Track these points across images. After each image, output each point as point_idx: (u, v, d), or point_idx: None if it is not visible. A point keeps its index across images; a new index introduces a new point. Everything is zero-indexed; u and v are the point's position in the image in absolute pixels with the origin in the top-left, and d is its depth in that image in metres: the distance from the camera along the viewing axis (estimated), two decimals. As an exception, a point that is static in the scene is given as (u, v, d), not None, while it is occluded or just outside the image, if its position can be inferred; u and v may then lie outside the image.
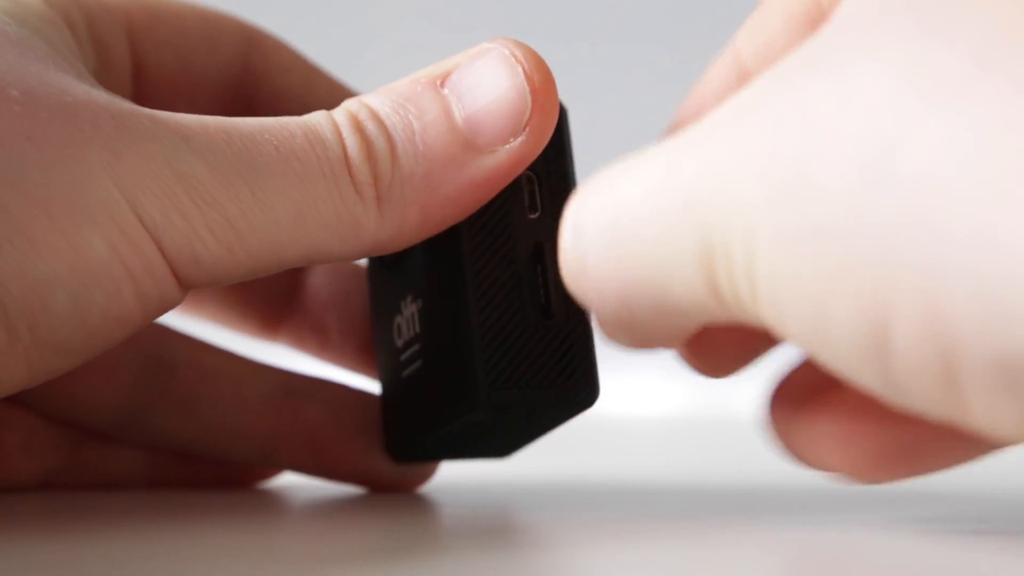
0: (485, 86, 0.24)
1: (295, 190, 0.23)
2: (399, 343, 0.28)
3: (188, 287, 0.23)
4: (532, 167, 0.25)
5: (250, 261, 0.23)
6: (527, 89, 0.24)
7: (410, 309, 0.27)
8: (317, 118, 0.24)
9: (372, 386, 0.31)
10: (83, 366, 0.24)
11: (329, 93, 0.30)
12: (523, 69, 0.24)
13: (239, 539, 0.24)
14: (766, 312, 0.18)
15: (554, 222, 0.24)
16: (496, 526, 0.26)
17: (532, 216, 0.26)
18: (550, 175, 0.26)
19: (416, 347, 0.27)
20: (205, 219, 0.23)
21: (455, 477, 0.35)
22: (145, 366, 0.29)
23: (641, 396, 0.70)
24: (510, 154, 0.24)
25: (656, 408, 0.70)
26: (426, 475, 0.31)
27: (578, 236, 0.21)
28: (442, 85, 0.25)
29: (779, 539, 0.24)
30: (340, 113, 0.25)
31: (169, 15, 0.29)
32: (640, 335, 0.22)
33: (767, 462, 0.47)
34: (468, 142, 0.24)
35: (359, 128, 0.24)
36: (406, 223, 0.25)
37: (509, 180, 0.25)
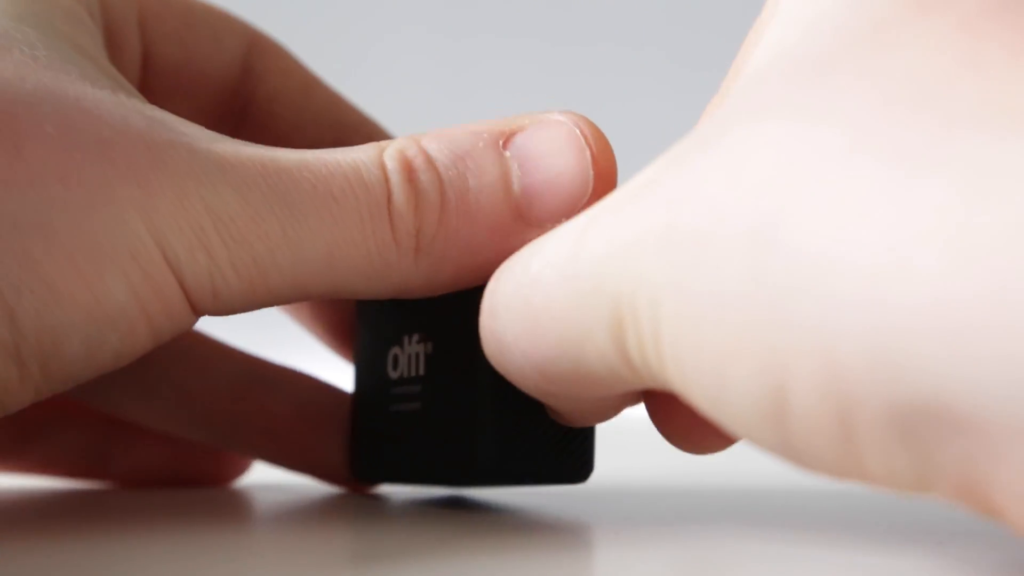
0: (550, 160, 0.24)
1: (328, 231, 0.23)
2: (393, 375, 0.28)
3: (201, 315, 0.23)
4: None
5: (269, 296, 0.23)
6: (591, 174, 0.24)
7: (416, 348, 0.27)
8: (363, 157, 0.24)
9: (343, 383, 0.32)
10: None
11: (327, 101, 0.30)
12: (591, 152, 0.24)
13: (213, 543, 0.24)
14: (673, 378, 0.19)
15: None
16: (496, 525, 0.26)
17: None
18: None
19: (416, 388, 0.27)
20: (231, 256, 0.22)
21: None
22: None
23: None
24: None
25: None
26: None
27: (494, 317, 0.22)
28: (505, 146, 0.24)
29: (779, 539, 0.24)
30: (392, 155, 0.24)
31: (179, 7, 0.29)
32: (571, 407, 0.23)
33: (767, 462, 0.47)
34: (521, 213, 0.24)
35: (411, 175, 0.24)
36: (438, 278, 0.24)
37: None
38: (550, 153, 0.24)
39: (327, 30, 0.76)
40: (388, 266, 0.24)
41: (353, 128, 0.30)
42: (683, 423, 0.24)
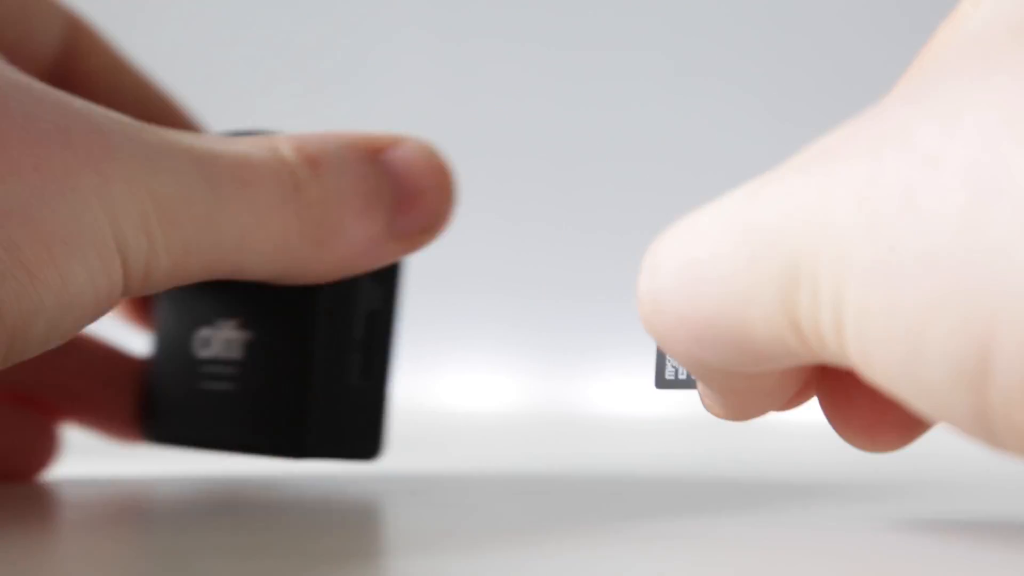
0: (417, 177, 0.27)
1: (244, 216, 0.25)
2: (201, 354, 0.30)
3: (125, 296, 0.24)
4: None
5: (184, 278, 0.25)
6: (453, 194, 0.28)
7: (231, 333, 0.30)
8: (268, 150, 0.26)
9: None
10: None
11: (137, 83, 0.31)
12: (446, 167, 0.28)
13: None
14: (851, 343, 0.18)
15: (387, 292, 0.30)
16: (495, 525, 0.26)
17: (371, 284, 0.29)
18: None
19: (230, 370, 0.30)
20: (166, 239, 0.24)
21: (452, 476, 0.35)
22: None
23: (641, 396, 0.70)
24: (421, 239, 0.28)
25: (656, 408, 0.70)
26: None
27: (654, 275, 0.21)
28: (380, 154, 0.27)
29: (779, 538, 0.24)
30: (292, 152, 0.26)
31: None
32: (724, 384, 0.22)
33: (767, 462, 0.47)
34: (391, 224, 0.27)
35: (316, 171, 0.26)
36: (322, 268, 0.26)
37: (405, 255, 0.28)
38: (418, 171, 0.27)
39: (327, 33, 0.76)
40: (290, 252, 0.26)
41: (163, 111, 0.31)
42: (859, 414, 0.23)
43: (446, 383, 0.71)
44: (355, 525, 0.27)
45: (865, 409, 0.23)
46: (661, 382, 0.25)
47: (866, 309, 0.17)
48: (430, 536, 0.25)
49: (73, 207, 0.22)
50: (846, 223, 0.17)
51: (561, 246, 0.74)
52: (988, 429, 0.16)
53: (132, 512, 0.29)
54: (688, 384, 0.25)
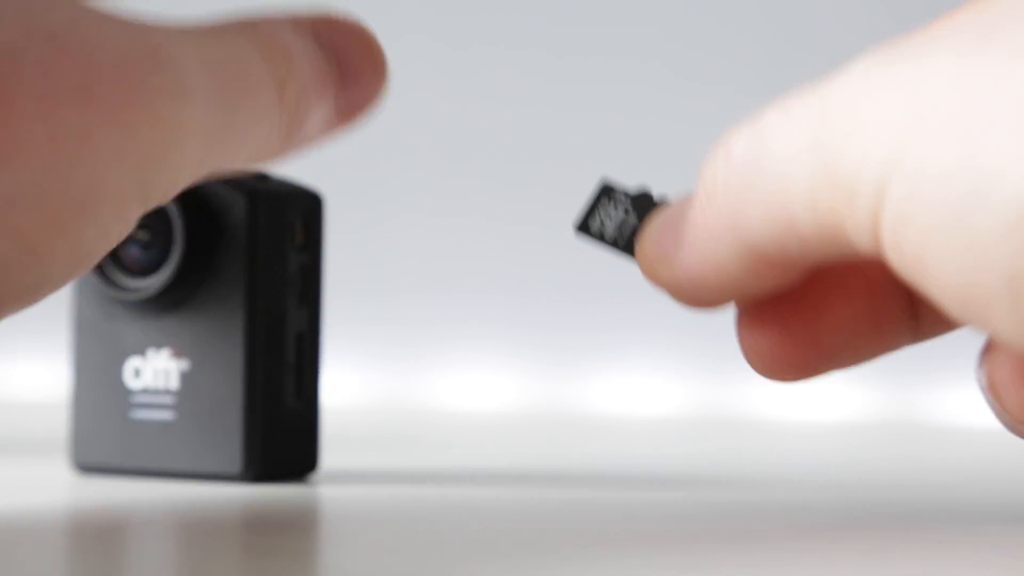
0: (356, 56, 0.26)
1: (252, 130, 0.24)
2: (133, 384, 0.31)
3: None
4: (301, 263, 0.31)
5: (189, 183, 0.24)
6: (385, 67, 0.27)
7: (166, 363, 0.31)
8: (262, 49, 0.24)
9: None
10: None
11: None
12: (379, 45, 0.27)
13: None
14: (907, 244, 0.19)
15: (311, 313, 0.31)
16: (495, 525, 0.26)
17: (297, 307, 0.31)
18: (310, 270, 0.31)
19: (166, 398, 0.31)
20: (186, 167, 0.23)
21: (452, 476, 0.35)
22: None
23: (641, 396, 0.70)
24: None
25: (656, 408, 0.70)
26: None
27: (726, 161, 0.23)
28: (321, 33, 0.26)
29: (779, 538, 0.24)
30: (273, 48, 0.25)
31: None
32: (755, 286, 0.23)
33: (766, 462, 0.47)
34: (337, 103, 0.26)
35: (290, 63, 0.25)
36: (281, 156, 0.25)
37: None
38: (357, 51, 0.26)
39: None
40: (266, 152, 0.25)
41: None
42: (768, 343, 0.25)
43: (446, 383, 0.71)
44: (354, 524, 0.27)
45: (773, 339, 0.24)
46: (582, 226, 0.26)
47: (924, 171, 0.19)
48: (430, 536, 0.25)
49: (90, 174, 0.21)
50: (928, 123, 0.19)
51: (561, 247, 0.74)
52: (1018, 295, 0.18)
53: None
54: (606, 243, 0.26)
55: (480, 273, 0.73)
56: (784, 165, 0.21)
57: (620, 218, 0.26)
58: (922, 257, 0.20)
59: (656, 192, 0.26)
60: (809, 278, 0.24)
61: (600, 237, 0.26)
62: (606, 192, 0.26)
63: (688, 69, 0.75)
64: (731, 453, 0.51)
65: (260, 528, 0.24)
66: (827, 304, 0.25)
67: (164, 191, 0.23)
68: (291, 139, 0.25)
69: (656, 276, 0.25)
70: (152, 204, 0.23)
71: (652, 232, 0.25)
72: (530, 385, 0.72)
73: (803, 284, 0.24)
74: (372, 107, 0.27)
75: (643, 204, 0.26)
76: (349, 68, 0.26)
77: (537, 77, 0.76)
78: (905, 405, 0.71)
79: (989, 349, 0.23)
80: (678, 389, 0.71)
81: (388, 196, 0.73)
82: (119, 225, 0.22)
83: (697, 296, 0.24)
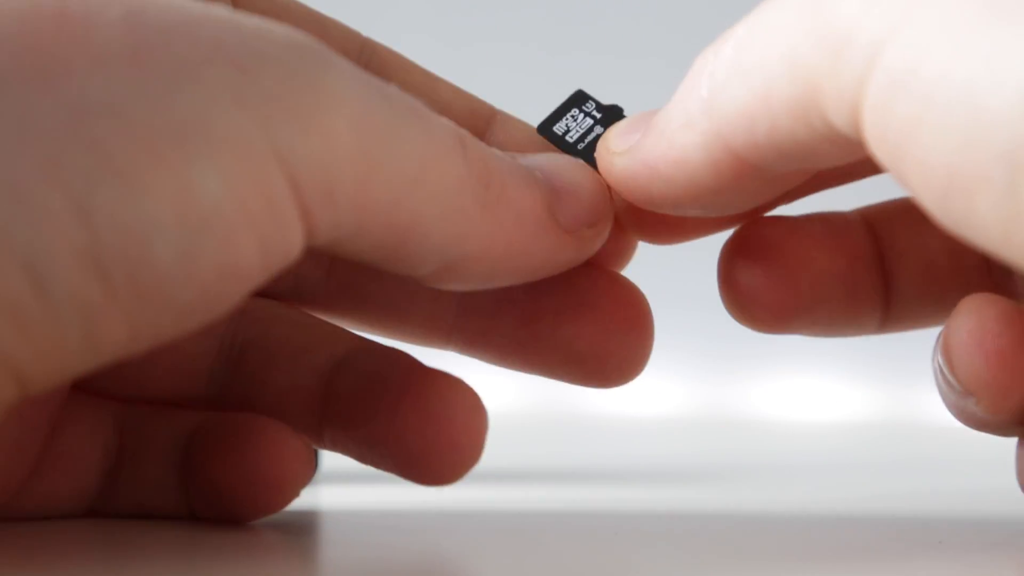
0: (564, 172, 0.24)
1: (422, 145, 0.21)
2: None
3: (312, 230, 0.20)
4: None
5: (370, 213, 0.20)
6: (607, 190, 0.24)
7: None
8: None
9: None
10: (160, 354, 0.23)
11: (454, 95, 0.28)
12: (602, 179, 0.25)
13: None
14: (896, 117, 0.19)
15: None
16: (494, 525, 0.26)
17: None
18: None
19: None
20: (344, 144, 0.19)
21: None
22: (221, 352, 0.26)
23: (641, 396, 0.70)
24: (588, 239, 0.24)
25: (656, 408, 0.70)
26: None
27: (716, 53, 0.22)
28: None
29: (778, 538, 0.24)
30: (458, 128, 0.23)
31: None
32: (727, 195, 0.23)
33: (766, 461, 0.47)
34: (551, 206, 0.23)
35: (469, 139, 0.22)
36: (494, 238, 0.22)
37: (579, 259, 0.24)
38: (568, 174, 0.24)
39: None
40: (462, 205, 0.22)
41: (493, 123, 0.28)
42: (753, 277, 0.26)
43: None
44: (355, 524, 0.27)
45: (755, 276, 0.25)
46: (545, 130, 0.26)
47: (928, 96, 0.18)
48: (430, 536, 0.25)
49: (191, 102, 0.18)
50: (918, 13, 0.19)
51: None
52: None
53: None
54: (568, 146, 0.25)
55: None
56: (772, 26, 0.21)
57: (587, 125, 0.26)
58: (911, 132, 0.19)
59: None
60: (797, 231, 0.25)
61: (562, 139, 0.26)
62: (578, 99, 0.26)
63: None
64: (731, 453, 0.51)
65: (260, 528, 0.24)
66: (811, 257, 0.25)
67: (316, 161, 0.19)
68: (490, 210, 0.22)
69: (613, 169, 0.24)
70: (303, 175, 0.19)
71: (618, 126, 0.25)
72: (531, 385, 0.72)
73: (791, 236, 0.25)
74: (600, 228, 0.24)
75: (613, 116, 0.25)
76: (560, 185, 0.24)
77: (538, 76, 0.76)
78: (905, 405, 0.71)
79: (952, 320, 0.23)
80: (678, 389, 0.71)
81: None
82: (249, 183, 0.18)
83: (650, 194, 0.23)
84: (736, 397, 0.71)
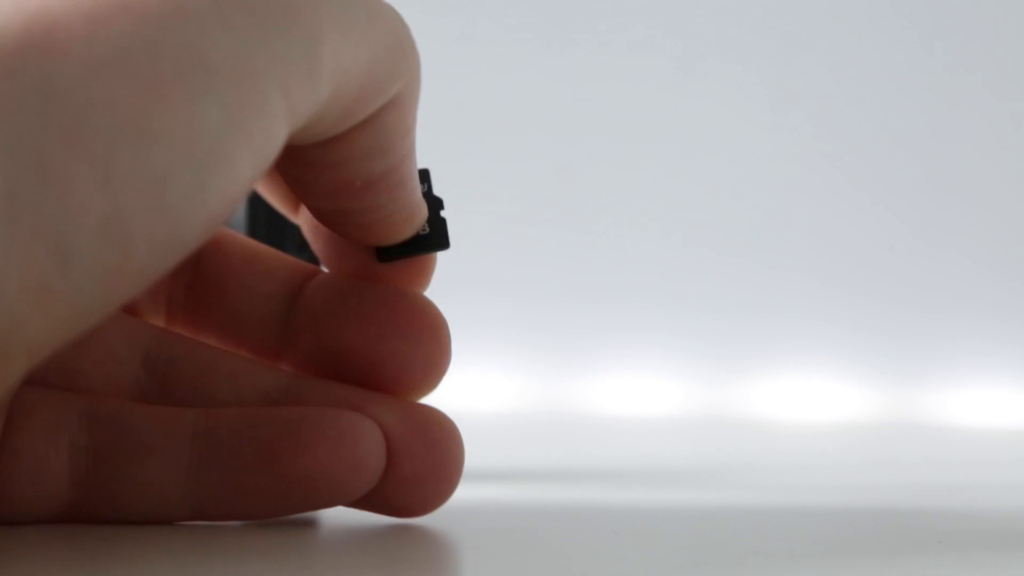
0: None
1: (386, 27, 0.22)
2: None
3: (291, 130, 0.20)
4: None
5: (342, 73, 0.21)
6: None
7: None
8: None
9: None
10: (88, 354, 0.24)
11: None
12: None
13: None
14: None
15: None
16: (496, 523, 0.26)
17: None
18: None
19: None
20: (324, 29, 0.20)
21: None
22: (145, 362, 0.26)
23: (641, 396, 0.70)
24: None
25: (656, 408, 0.70)
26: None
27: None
28: None
29: (778, 538, 0.24)
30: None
31: None
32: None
33: (766, 461, 0.47)
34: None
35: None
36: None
37: None
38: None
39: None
40: (399, 42, 0.23)
41: None
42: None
43: (446, 383, 0.71)
44: (355, 524, 0.27)
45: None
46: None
47: None
48: (429, 536, 0.25)
49: (186, 38, 0.18)
50: None
51: (561, 247, 0.74)
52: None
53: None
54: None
55: (480, 273, 0.73)
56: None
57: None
58: None
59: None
60: None
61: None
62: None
63: (691, 64, 0.75)
64: (731, 453, 0.51)
65: (260, 527, 0.24)
66: None
67: (302, 57, 0.20)
68: (412, 52, 0.23)
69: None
70: (293, 75, 0.19)
71: None
72: (530, 385, 0.72)
73: None
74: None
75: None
76: None
77: (538, 74, 0.76)
78: (905, 405, 0.71)
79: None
80: (678, 389, 0.71)
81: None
82: (258, 117, 0.19)
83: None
84: (736, 397, 0.71)
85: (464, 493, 0.32)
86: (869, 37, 0.74)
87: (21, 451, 0.24)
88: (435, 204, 0.26)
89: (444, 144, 0.77)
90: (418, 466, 0.25)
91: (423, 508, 0.25)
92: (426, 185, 0.27)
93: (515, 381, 0.72)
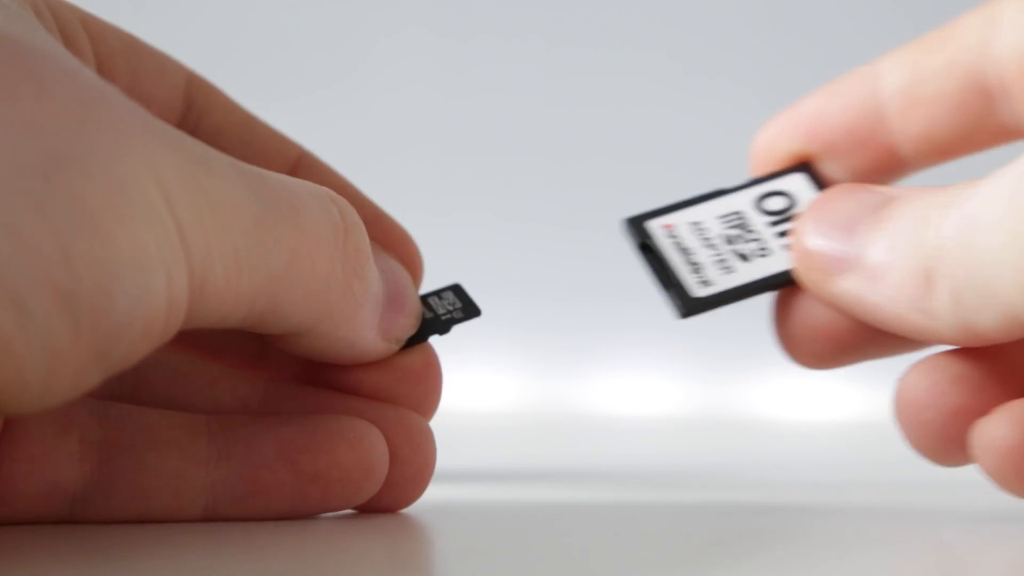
0: (402, 284, 0.27)
1: (293, 239, 0.23)
2: None
3: (187, 310, 0.21)
4: None
5: (232, 306, 0.22)
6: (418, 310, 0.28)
7: None
8: (319, 189, 0.24)
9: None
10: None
11: (269, 136, 0.29)
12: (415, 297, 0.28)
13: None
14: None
15: None
16: (496, 523, 0.26)
17: None
18: None
19: None
20: (220, 244, 0.21)
21: (451, 475, 0.35)
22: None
23: (641, 396, 0.70)
24: None
25: (656, 408, 0.70)
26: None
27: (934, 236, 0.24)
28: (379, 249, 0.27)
29: (778, 538, 0.24)
30: (337, 201, 0.25)
31: (118, 30, 0.28)
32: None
33: (766, 461, 0.47)
34: (384, 317, 0.26)
35: (350, 226, 0.25)
36: (342, 331, 0.25)
37: None
38: (403, 284, 0.27)
39: (327, 31, 0.76)
40: (329, 296, 0.24)
41: (300, 165, 0.30)
42: (808, 328, 0.27)
43: (447, 383, 0.71)
44: (355, 523, 0.27)
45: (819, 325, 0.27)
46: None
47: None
48: (429, 536, 0.25)
49: (128, 167, 0.20)
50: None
51: (562, 246, 0.74)
52: None
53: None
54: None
55: (480, 272, 0.73)
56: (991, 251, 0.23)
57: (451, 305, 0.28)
58: None
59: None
60: None
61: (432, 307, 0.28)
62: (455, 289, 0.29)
63: (691, 61, 0.75)
64: (731, 453, 0.51)
65: (260, 527, 0.25)
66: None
67: (203, 258, 0.21)
68: (351, 302, 0.24)
69: (824, 286, 0.26)
70: (196, 270, 0.21)
71: (818, 224, 0.27)
72: (530, 385, 0.72)
73: None
74: (401, 341, 0.27)
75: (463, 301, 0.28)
76: (395, 295, 0.26)
77: (538, 72, 0.76)
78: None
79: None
80: (678, 389, 0.71)
81: (387, 193, 0.73)
82: (174, 263, 0.20)
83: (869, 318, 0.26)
84: (736, 397, 0.71)
85: (464, 493, 0.32)
86: (870, 37, 0.74)
87: (28, 441, 0.24)
88: (434, 325, 0.28)
89: (444, 144, 0.77)
90: (406, 468, 0.26)
91: (402, 506, 0.27)
92: (446, 301, 0.28)
93: (515, 381, 0.72)
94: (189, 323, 0.21)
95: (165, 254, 0.20)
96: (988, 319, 0.23)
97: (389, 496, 0.27)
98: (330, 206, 0.24)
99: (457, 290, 0.28)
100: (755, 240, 0.27)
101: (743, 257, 0.27)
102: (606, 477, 0.38)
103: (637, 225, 0.28)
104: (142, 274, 0.20)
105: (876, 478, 0.39)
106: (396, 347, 0.27)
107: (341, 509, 0.26)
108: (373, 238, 0.26)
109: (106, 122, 0.20)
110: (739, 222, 0.28)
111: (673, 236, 0.28)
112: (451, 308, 0.28)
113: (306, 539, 0.23)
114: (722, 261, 0.27)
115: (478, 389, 0.71)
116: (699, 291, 0.27)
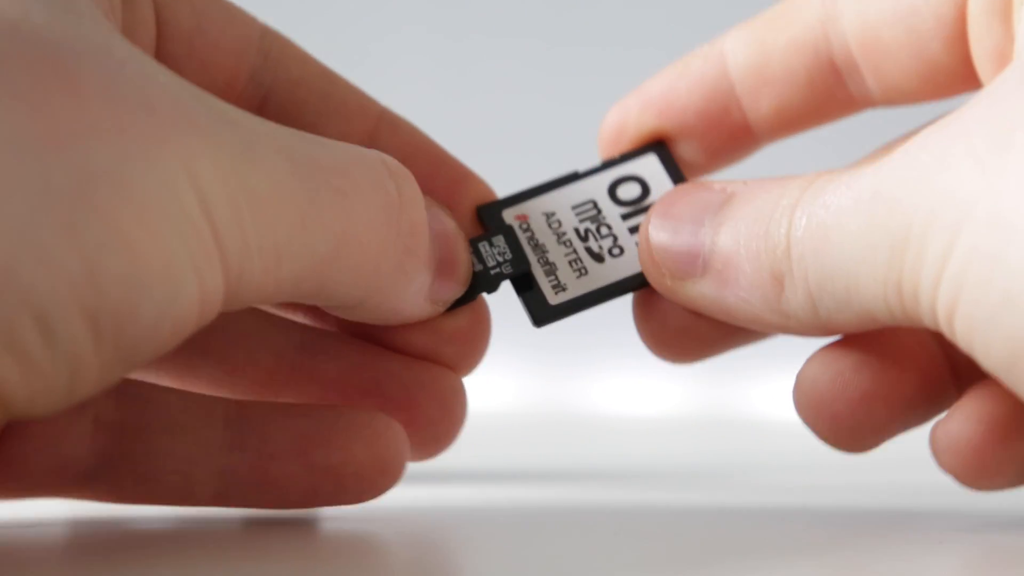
0: (452, 242, 0.26)
1: (341, 223, 0.22)
2: None
3: (224, 302, 0.21)
4: None
5: (273, 291, 0.22)
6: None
7: None
8: (375, 159, 0.24)
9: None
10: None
11: (350, 93, 0.29)
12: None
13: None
14: (945, 296, 0.21)
15: None
16: (496, 524, 0.26)
17: None
18: None
19: None
20: (259, 238, 0.21)
21: (451, 475, 0.35)
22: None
23: (641, 396, 0.70)
24: None
25: (656, 408, 0.70)
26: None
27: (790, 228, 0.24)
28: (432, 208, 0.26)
29: (778, 538, 0.24)
30: (393, 167, 0.24)
31: None
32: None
33: (766, 461, 0.47)
34: (432, 282, 0.26)
35: (408, 197, 0.24)
36: (393, 303, 0.25)
37: None
38: (453, 242, 0.26)
39: (327, 29, 0.76)
40: (380, 276, 0.23)
41: (381, 122, 0.29)
42: (668, 327, 0.27)
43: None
44: (355, 524, 0.27)
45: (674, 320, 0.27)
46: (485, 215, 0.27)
47: (974, 255, 0.20)
48: (429, 535, 0.25)
49: (162, 177, 0.20)
50: (966, 185, 0.20)
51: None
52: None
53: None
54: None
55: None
56: (841, 232, 0.22)
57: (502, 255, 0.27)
58: (994, 312, 0.20)
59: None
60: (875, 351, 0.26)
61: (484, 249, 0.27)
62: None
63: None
64: (731, 453, 0.51)
65: (260, 527, 0.24)
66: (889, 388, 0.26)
67: (239, 252, 0.21)
68: (404, 278, 0.24)
69: (678, 292, 0.26)
70: (232, 266, 0.21)
71: (663, 226, 0.26)
72: (531, 385, 0.72)
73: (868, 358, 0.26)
74: (455, 298, 0.26)
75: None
76: (446, 257, 0.26)
77: (537, 70, 0.76)
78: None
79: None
80: (678, 389, 0.71)
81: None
82: (206, 265, 0.20)
83: (726, 315, 0.26)
84: (736, 397, 0.71)
85: (464, 493, 0.32)
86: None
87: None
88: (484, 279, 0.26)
89: (442, 137, 0.77)
90: (433, 428, 0.26)
91: (422, 460, 0.27)
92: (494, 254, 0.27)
93: (515, 381, 0.72)
94: (227, 308, 0.21)
95: (198, 259, 0.20)
96: (846, 319, 0.23)
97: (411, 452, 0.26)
98: (386, 181, 0.23)
99: (508, 234, 0.27)
100: (609, 236, 0.27)
101: (597, 258, 0.27)
102: (606, 477, 0.38)
103: (492, 214, 0.27)
104: (170, 284, 0.20)
105: (876, 479, 0.39)
106: (443, 308, 0.26)
107: (355, 503, 0.26)
108: (439, 190, 0.26)
109: (144, 129, 0.20)
110: (592, 214, 0.27)
111: (527, 230, 0.27)
112: (501, 259, 0.27)
113: (304, 537, 0.23)
114: (576, 262, 0.27)
115: (478, 389, 0.71)
116: (553, 298, 0.27)
